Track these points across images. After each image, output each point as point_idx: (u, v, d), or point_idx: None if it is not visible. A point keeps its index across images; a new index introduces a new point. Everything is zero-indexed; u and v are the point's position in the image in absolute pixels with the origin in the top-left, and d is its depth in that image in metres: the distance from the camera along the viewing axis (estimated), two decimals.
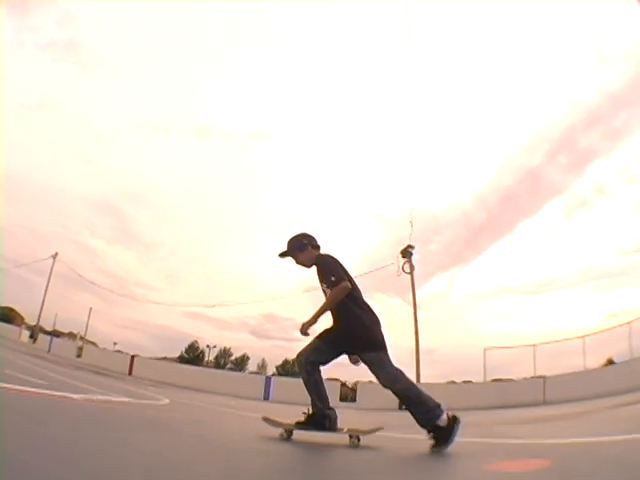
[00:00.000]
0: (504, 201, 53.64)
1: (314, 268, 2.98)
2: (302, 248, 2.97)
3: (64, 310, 33.22)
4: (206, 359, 43.95)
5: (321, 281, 2.90)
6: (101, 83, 69.51)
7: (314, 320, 2.79)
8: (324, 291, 2.88)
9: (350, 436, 2.73)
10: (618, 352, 12.98)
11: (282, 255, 3.02)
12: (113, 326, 57.26)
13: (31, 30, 61.09)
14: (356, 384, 15.74)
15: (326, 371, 2.93)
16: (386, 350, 2.78)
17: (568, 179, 55.68)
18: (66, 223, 66.02)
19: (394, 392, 2.72)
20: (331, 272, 2.81)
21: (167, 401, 5.87)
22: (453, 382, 18.41)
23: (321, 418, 2.77)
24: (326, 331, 2.86)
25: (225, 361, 42.81)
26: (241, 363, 44.38)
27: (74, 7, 50.17)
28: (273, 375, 16.72)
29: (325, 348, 2.83)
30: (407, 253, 19.14)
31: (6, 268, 34.92)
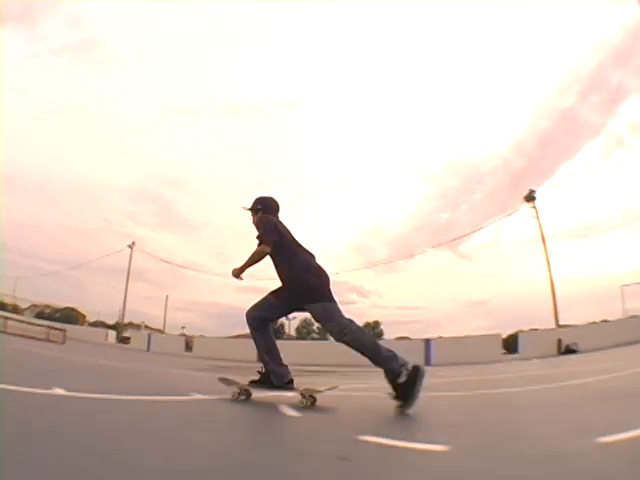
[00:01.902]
0: (542, 145, 50.34)
1: None
2: (256, 212, 3.08)
3: (118, 302, 33.50)
4: (287, 331, 44.70)
5: None
6: (123, 76, 68.66)
7: (242, 270, 2.89)
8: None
9: (303, 395, 2.70)
10: None
11: (246, 208, 3.14)
12: (168, 310, 57.99)
13: (41, 38, 60.22)
14: (516, 334, 14.78)
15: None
16: (331, 300, 2.80)
17: (603, 119, 53.05)
18: (108, 216, 67.15)
19: (346, 344, 2.70)
20: (262, 232, 2.91)
21: None
22: (594, 322, 17.32)
23: (271, 376, 2.82)
24: (279, 287, 2.94)
25: (308, 330, 43.16)
26: (324, 331, 44.39)
27: (80, 8, 48.32)
28: (431, 339, 15.70)
29: (275, 303, 2.90)
30: (530, 198, 17.36)
31: (59, 270, 37.35)
